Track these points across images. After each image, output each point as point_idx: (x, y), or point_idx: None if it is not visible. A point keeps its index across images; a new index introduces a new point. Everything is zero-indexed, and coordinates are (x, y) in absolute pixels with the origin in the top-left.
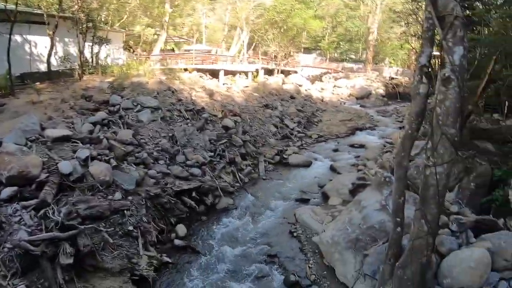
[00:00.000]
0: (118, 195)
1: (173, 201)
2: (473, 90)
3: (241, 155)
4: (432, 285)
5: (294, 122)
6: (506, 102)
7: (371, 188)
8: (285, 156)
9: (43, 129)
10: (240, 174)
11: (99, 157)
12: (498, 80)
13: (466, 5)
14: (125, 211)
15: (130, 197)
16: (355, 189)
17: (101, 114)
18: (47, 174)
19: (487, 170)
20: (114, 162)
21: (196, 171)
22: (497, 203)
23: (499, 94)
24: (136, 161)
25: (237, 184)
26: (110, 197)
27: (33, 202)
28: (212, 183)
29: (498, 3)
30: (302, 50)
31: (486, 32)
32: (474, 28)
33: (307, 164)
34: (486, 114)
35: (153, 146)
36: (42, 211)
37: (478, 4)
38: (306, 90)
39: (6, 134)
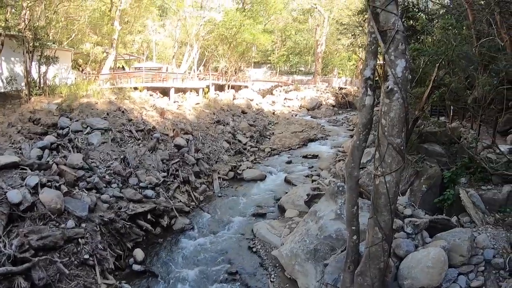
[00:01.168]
0: (71, 223)
1: (128, 225)
2: (419, 96)
3: (195, 174)
4: None
5: (247, 137)
6: (451, 106)
7: (325, 198)
8: (239, 172)
9: None
10: (195, 193)
11: (49, 183)
12: (442, 86)
13: (410, 15)
14: (80, 239)
15: (83, 224)
16: (311, 200)
17: (49, 138)
18: None
19: (437, 171)
20: (65, 188)
21: (149, 192)
22: (448, 202)
23: (444, 99)
24: (88, 186)
25: (193, 203)
26: (62, 225)
27: None
28: (167, 204)
29: (440, 13)
30: (253, 64)
31: (430, 40)
32: (418, 37)
33: (262, 178)
34: (433, 118)
35: (105, 169)
36: None
37: (421, 15)
38: (257, 104)
39: None
